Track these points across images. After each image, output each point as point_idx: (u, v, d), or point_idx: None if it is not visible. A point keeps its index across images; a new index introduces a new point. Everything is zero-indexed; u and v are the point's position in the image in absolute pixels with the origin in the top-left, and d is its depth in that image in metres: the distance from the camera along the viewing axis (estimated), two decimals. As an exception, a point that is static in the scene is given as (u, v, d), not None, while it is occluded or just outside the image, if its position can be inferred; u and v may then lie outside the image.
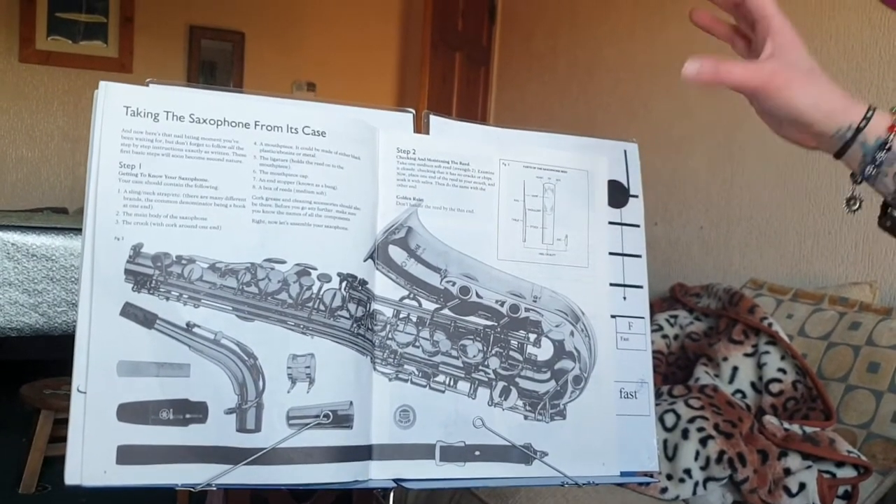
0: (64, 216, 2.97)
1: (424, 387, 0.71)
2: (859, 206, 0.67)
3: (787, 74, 0.63)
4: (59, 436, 2.29)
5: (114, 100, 0.66)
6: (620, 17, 2.94)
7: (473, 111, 3.79)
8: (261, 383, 0.65)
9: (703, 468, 1.35)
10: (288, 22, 4.38)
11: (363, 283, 0.70)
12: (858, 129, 0.64)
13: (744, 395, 1.57)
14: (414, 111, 0.77)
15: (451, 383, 0.72)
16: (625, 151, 0.82)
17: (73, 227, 1.80)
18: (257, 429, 0.64)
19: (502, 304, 0.74)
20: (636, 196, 0.81)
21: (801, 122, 0.65)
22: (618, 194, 0.80)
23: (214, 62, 4.29)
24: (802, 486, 1.32)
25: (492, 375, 0.73)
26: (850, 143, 0.64)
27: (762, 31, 0.66)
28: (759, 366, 1.57)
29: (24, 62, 3.83)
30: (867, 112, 0.64)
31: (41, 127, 3.88)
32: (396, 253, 0.72)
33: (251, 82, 4.26)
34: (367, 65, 4.57)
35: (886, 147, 0.63)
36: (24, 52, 3.82)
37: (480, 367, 0.73)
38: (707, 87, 0.64)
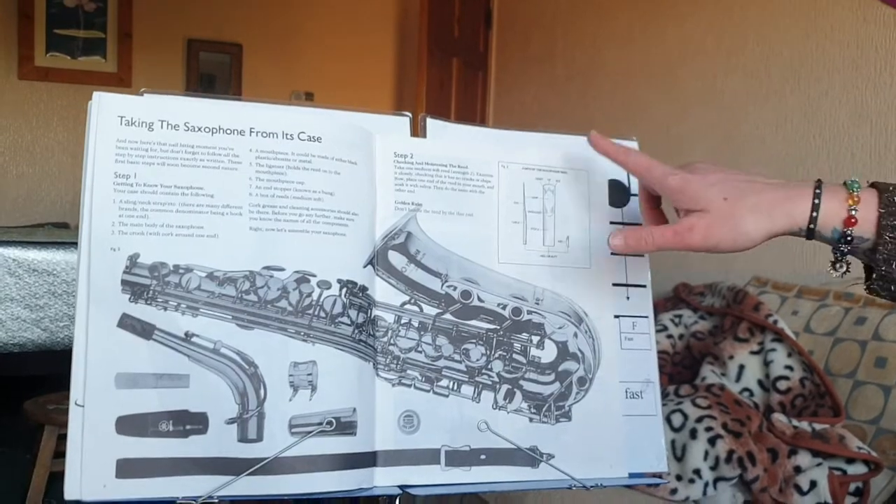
0: (65, 231, 2.97)
1: (428, 391, 0.70)
2: (847, 270, 0.64)
3: (704, 224, 0.64)
4: (63, 451, 2.28)
5: (108, 110, 0.65)
6: (618, 20, 2.94)
7: (472, 116, 3.79)
8: (262, 392, 0.64)
9: (712, 468, 1.34)
10: (285, 33, 4.39)
11: (363, 289, 0.69)
12: (811, 230, 0.63)
13: (751, 394, 1.56)
14: (410, 115, 0.76)
15: (455, 387, 0.71)
16: None
17: (75, 241, 1.79)
18: (259, 438, 0.63)
19: (504, 307, 0.74)
20: (637, 195, 0.81)
21: (747, 248, 0.64)
22: (618, 194, 0.80)
23: (213, 75, 4.29)
24: (813, 484, 1.31)
25: (495, 379, 0.72)
26: (810, 237, 0.63)
27: (664, 192, 0.69)
28: (766, 363, 1.57)
29: (24, 79, 3.84)
30: (812, 211, 0.62)
31: (41, 143, 3.88)
32: (396, 258, 0.71)
33: (250, 93, 4.26)
34: (364, 73, 4.58)
35: (847, 239, 0.62)
36: (24, 69, 3.83)
37: (484, 371, 0.72)
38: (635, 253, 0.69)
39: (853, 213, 0.61)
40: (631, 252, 0.67)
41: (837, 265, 0.64)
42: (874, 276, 0.62)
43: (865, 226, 0.61)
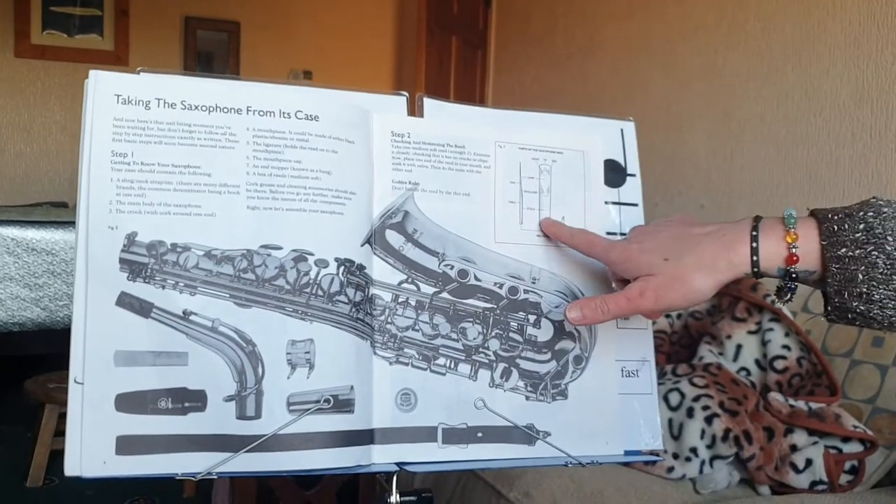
0: (63, 210, 2.96)
1: (425, 370, 0.71)
2: (790, 298, 0.63)
3: (652, 288, 0.64)
4: (64, 429, 2.30)
5: (104, 88, 0.65)
6: (617, -3, 2.92)
7: (471, 95, 3.77)
8: (260, 370, 0.64)
9: (708, 446, 1.35)
10: (283, 10, 4.36)
11: (361, 267, 0.69)
12: (755, 272, 0.62)
13: (748, 373, 1.56)
14: (407, 94, 0.76)
15: (452, 366, 0.71)
16: (621, 130, 0.82)
17: (73, 220, 1.80)
18: (257, 416, 0.64)
19: (501, 286, 0.74)
20: (633, 175, 0.81)
21: (700, 302, 0.65)
22: (614, 174, 0.80)
23: (211, 52, 4.27)
24: (809, 462, 1.32)
25: (492, 357, 0.73)
26: (758, 277, 0.63)
27: (609, 265, 0.71)
28: (764, 343, 1.57)
29: (20, 57, 3.82)
30: (752, 255, 0.62)
31: (39, 121, 3.87)
32: (394, 237, 0.72)
33: (248, 71, 4.25)
34: (363, 51, 4.56)
35: (792, 276, 0.61)
36: (20, 47, 3.81)
37: (481, 349, 0.72)
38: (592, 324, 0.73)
39: (793, 250, 0.60)
40: (588, 323, 0.69)
41: (782, 294, 0.63)
42: (829, 307, 0.61)
43: (809, 259, 0.60)
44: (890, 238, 0.57)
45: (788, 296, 0.63)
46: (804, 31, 2.16)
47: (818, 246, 0.60)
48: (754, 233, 0.62)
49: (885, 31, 1.95)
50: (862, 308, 0.59)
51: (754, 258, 0.62)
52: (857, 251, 0.58)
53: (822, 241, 0.60)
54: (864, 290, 0.58)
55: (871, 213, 0.59)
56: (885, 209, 0.59)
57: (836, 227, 0.59)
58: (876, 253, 0.57)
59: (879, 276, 0.57)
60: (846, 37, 2.04)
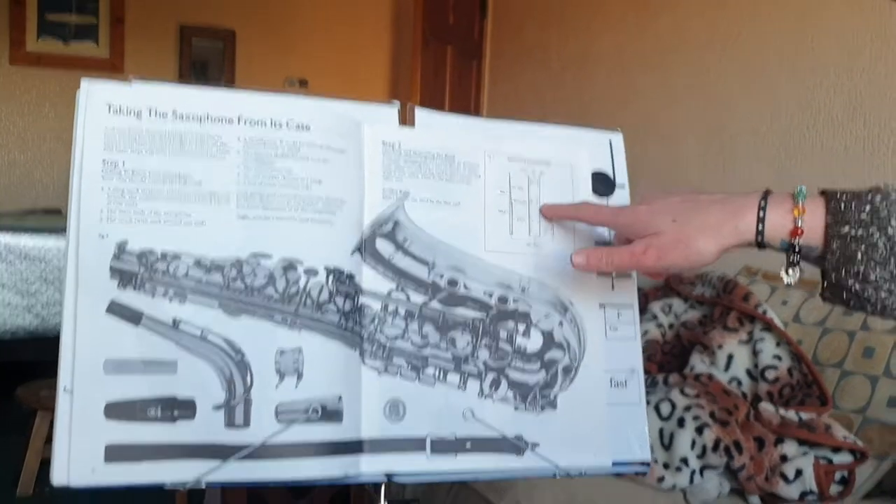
0: (56, 217, 2.96)
1: (414, 380, 0.71)
2: (797, 278, 0.64)
3: (656, 246, 0.66)
4: (56, 437, 2.28)
5: (96, 98, 0.66)
6: (611, 9, 2.94)
7: (466, 105, 3.78)
8: (248, 379, 0.64)
9: (699, 456, 1.35)
10: (279, 19, 4.37)
11: (350, 276, 0.70)
12: (759, 242, 0.64)
13: (739, 383, 1.57)
14: (398, 104, 0.76)
15: (441, 376, 0.72)
16: (610, 141, 0.82)
17: (66, 228, 1.79)
18: (246, 424, 0.64)
19: (490, 295, 0.74)
20: (622, 186, 0.81)
21: (701, 265, 0.66)
22: (603, 185, 0.80)
23: (206, 61, 4.28)
24: (799, 473, 1.32)
25: (481, 367, 0.73)
26: (761, 248, 0.64)
27: (617, 229, 0.73)
28: (755, 353, 1.57)
29: (15, 64, 3.82)
30: (758, 224, 0.63)
31: (33, 129, 3.87)
32: (384, 246, 0.72)
33: (243, 80, 4.25)
34: (358, 60, 4.57)
35: (795, 249, 0.62)
36: (15, 55, 3.81)
37: (470, 359, 0.73)
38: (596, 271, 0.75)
39: (799, 224, 0.62)
40: (592, 270, 0.71)
41: (789, 271, 0.64)
42: (825, 283, 0.62)
43: (812, 235, 0.62)
44: (894, 222, 0.59)
45: (796, 275, 0.64)
46: (797, 44, 2.17)
47: (823, 222, 0.61)
48: (763, 203, 0.63)
49: (878, 44, 1.96)
50: (857, 287, 0.60)
51: (760, 227, 0.63)
52: (860, 231, 0.59)
53: (827, 218, 0.61)
54: (862, 269, 0.59)
55: (878, 197, 0.60)
56: (893, 194, 0.60)
57: (842, 207, 0.61)
58: (878, 234, 0.59)
59: (878, 258, 0.59)
60: (839, 50, 2.05)
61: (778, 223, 0.63)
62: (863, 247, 0.59)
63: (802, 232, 0.62)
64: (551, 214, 0.77)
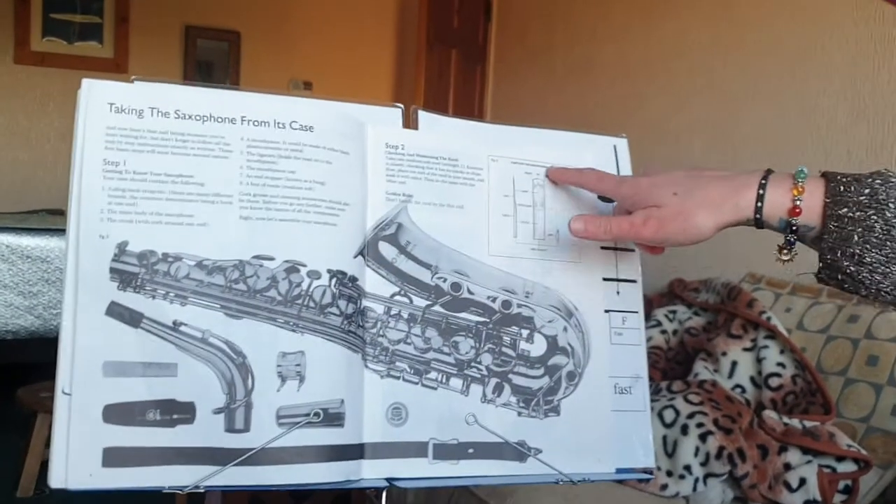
0: (59, 217, 2.96)
1: (416, 384, 0.70)
2: (791, 259, 0.65)
3: (656, 218, 0.66)
4: (56, 439, 2.27)
5: (98, 97, 0.65)
6: (616, 14, 2.93)
7: (470, 108, 3.78)
8: (250, 382, 0.64)
9: (702, 464, 1.34)
10: (284, 21, 4.37)
11: (353, 279, 0.69)
12: (758, 219, 0.64)
13: (743, 390, 1.56)
14: (402, 106, 0.76)
15: (444, 380, 0.71)
16: (614, 146, 0.82)
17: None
18: (246, 428, 0.63)
19: (494, 299, 0.73)
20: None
21: (699, 240, 0.66)
22: None
23: (211, 62, 4.28)
24: (803, 482, 1.31)
25: (484, 372, 0.72)
26: (759, 227, 0.65)
27: (618, 199, 0.73)
28: (758, 360, 1.57)
29: (19, 63, 3.82)
30: (757, 201, 0.63)
31: (37, 129, 3.87)
32: (387, 249, 0.71)
33: (248, 81, 4.25)
34: (363, 63, 4.57)
35: (792, 228, 0.63)
36: (19, 54, 3.81)
37: (473, 364, 0.72)
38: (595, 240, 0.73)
39: (797, 203, 0.62)
40: (589, 237, 0.70)
41: (784, 252, 0.64)
42: (821, 265, 0.63)
43: (810, 215, 0.62)
44: (892, 205, 0.59)
45: (790, 256, 0.64)
46: (802, 50, 2.16)
47: (821, 203, 0.61)
48: (763, 181, 0.64)
49: (882, 50, 1.96)
50: (852, 269, 0.60)
51: (759, 204, 0.63)
52: (858, 213, 0.60)
53: (826, 198, 0.61)
54: (858, 251, 0.59)
55: (878, 181, 0.60)
56: (893, 179, 0.60)
57: (841, 188, 0.61)
58: (875, 217, 0.59)
59: (874, 240, 0.59)
60: (843, 56, 2.05)
61: (777, 202, 0.63)
62: (859, 229, 0.59)
63: (801, 211, 0.62)
64: (555, 177, 0.77)
